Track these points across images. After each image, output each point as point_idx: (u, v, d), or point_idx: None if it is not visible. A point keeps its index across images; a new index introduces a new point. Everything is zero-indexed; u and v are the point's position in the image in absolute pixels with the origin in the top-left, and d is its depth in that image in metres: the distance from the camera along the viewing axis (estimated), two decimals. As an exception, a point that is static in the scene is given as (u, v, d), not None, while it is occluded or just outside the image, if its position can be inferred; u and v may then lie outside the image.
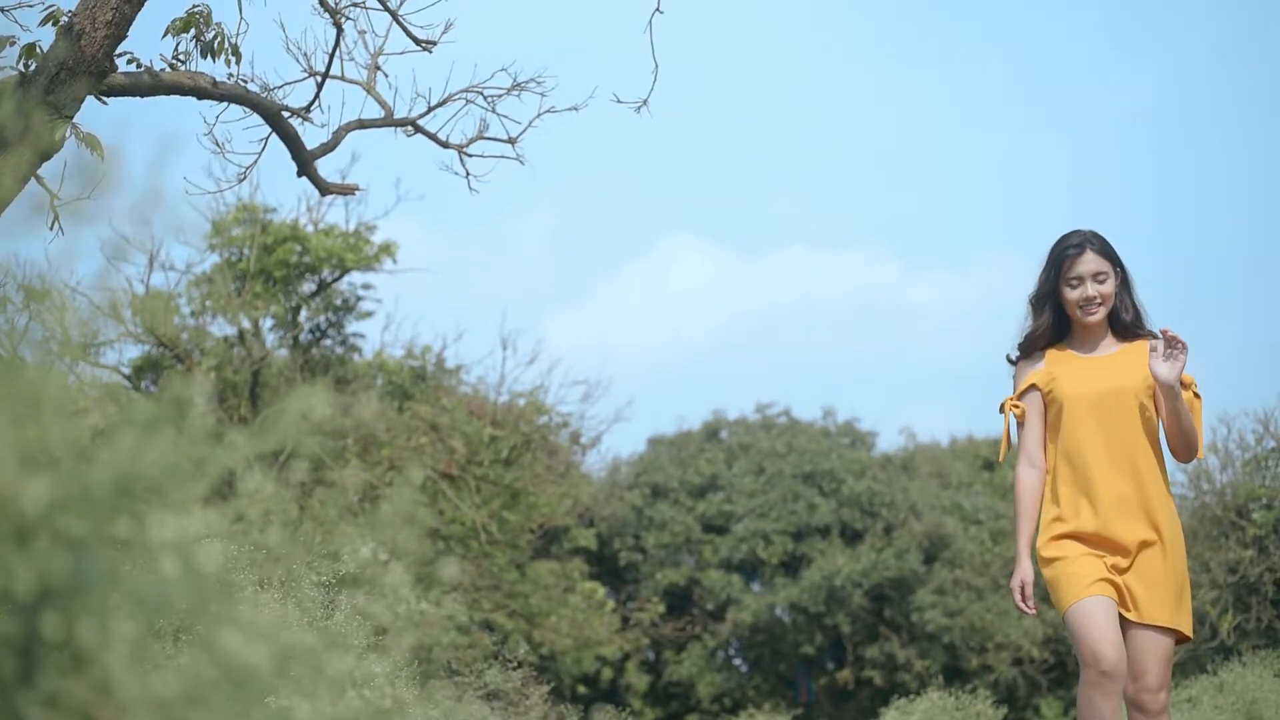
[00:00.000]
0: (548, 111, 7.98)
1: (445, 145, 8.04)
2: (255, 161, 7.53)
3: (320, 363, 19.43)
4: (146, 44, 7.84)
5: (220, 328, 18.66)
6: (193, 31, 6.67)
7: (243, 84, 7.10)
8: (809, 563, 26.29)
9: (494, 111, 8.04)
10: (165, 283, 18.11)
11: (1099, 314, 5.42)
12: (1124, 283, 5.48)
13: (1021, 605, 5.37)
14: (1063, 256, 5.43)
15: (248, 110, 7.53)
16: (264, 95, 7.52)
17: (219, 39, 6.73)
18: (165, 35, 6.57)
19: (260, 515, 1.77)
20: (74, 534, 1.32)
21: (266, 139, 7.72)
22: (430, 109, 8.04)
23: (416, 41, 7.63)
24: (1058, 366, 5.48)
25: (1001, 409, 5.59)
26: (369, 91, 7.93)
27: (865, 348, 40.49)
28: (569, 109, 8.03)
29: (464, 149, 8.06)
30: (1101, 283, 5.41)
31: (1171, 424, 5.33)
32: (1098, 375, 5.41)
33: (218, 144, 7.54)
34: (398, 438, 18.47)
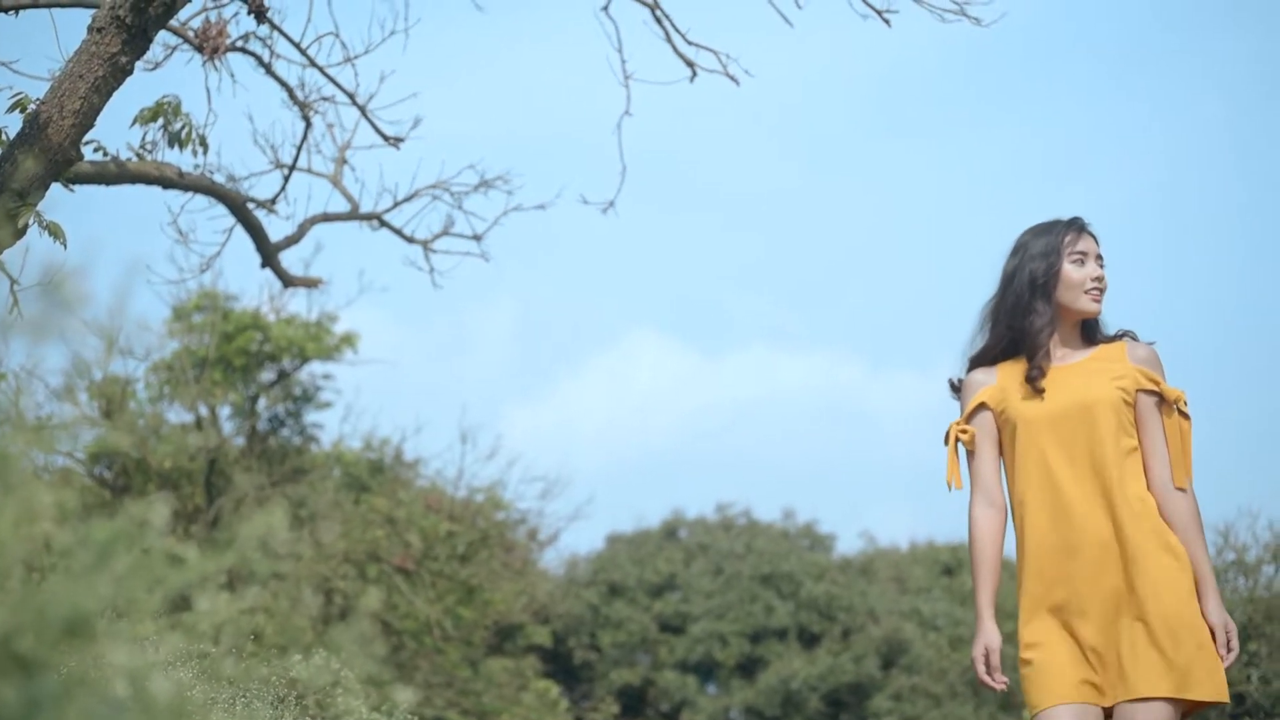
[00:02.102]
0: (514, 209, 8.00)
1: (410, 240, 8.03)
2: (218, 252, 7.50)
3: (277, 452, 19.28)
4: (114, 133, 7.81)
5: (177, 414, 18.53)
6: (161, 121, 6.64)
7: (209, 175, 7.07)
8: (766, 665, 26.10)
9: (460, 208, 8.05)
10: (124, 369, 17.99)
11: (1100, 304, 4.49)
12: None
13: (986, 679, 4.37)
14: (1062, 232, 4.49)
15: (213, 200, 7.50)
16: (230, 186, 7.49)
17: (186, 129, 6.69)
18: (133, 124, 6.54)
19: (214, 632, 1.71)
20: (27, 658, 1.26)
21: (231, 229, 7.69)
22: (396, 204, 8.03)
23: (384, 137, 7.63)
24: (1013, 380, 4.49)
25: (947, 438, 4.57)
26: (335, 185, 7.92)
27: (826, 449, 40.47)
28: (535, 207, 8.05)
29: (429, 245, 8.05)
30: (1102, 267, 4.52)
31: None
32: (1075, 388, 4.41)
33: (181, 233, 7.50)
34: (353, 530, 18.31)
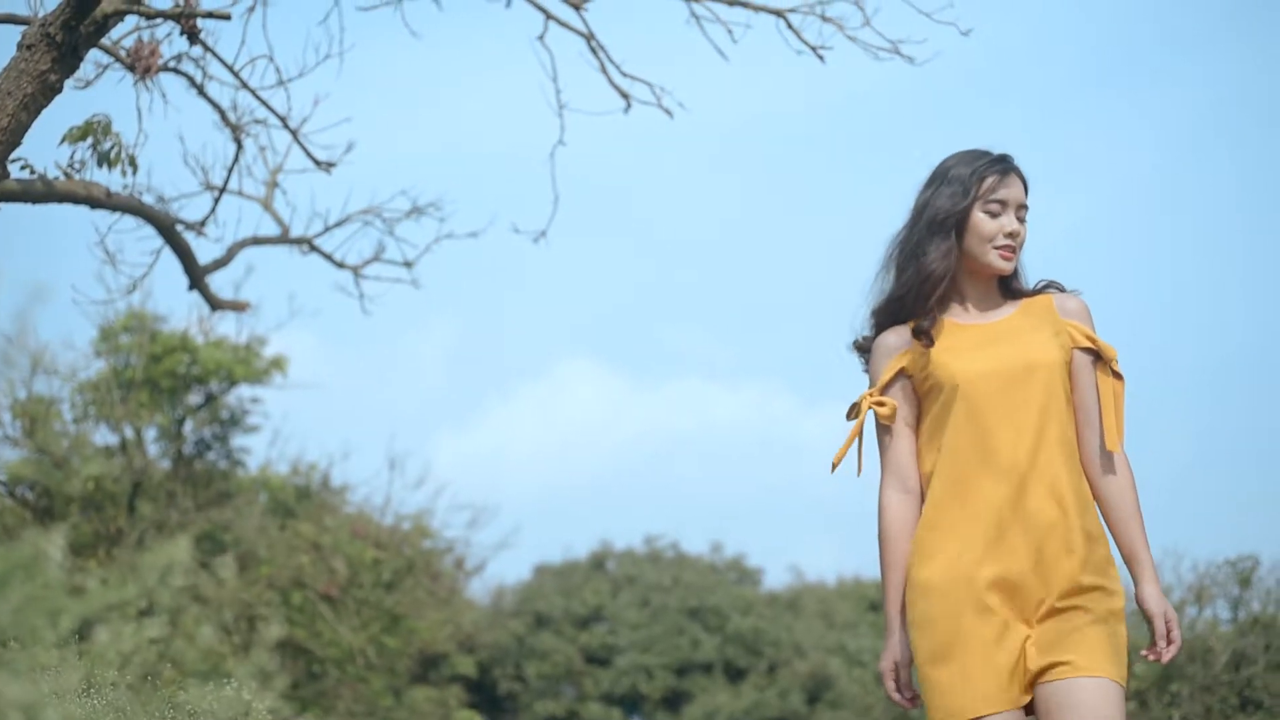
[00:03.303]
0: (445, 237, 7.98)
1: (340, 265, 7.99)
2: (146, 274, 7.43)
3: (203, 476, 19.12)
4: (42, 151, 7.73)
5: (103, 436, 18.34)
6: (90, 140, 6.58)
7: (138, 195, 7.00)
8: (691, 699, 26.05)
9: (391, 234, 8.02)
10: (48, 389, 17.78)
11: (1014, 261, 3.90)
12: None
13: (895, 696, 3.80)
14: (983, 171, 3.88)
15: (142, 221, 7.43)
16: (159, 207, 7.42)
17: (116, 149, 6.63)
18: (62, 143, 6.47)
19: (121, 661, 1.68)
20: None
21: (159, 251, 7.62)
22: (327, 228, 7.99)
23: (316, 162, 7.59)
24: (938, 344, 3.87)
25: (853, 411, 3.93)
26: (266, 208, 7.87)
27: (756, 482, 40.54)
28: (467, 235, 8.03)
29: (359, 270, 8.01)
30: (1021, 220, 3.90)
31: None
32: (1000, 347, 3.84)
33: (108, 254, 7.42)
34: (278, 556, 18.17)
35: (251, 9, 7.19)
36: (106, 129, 6.47)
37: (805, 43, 7.52)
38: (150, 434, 18.74)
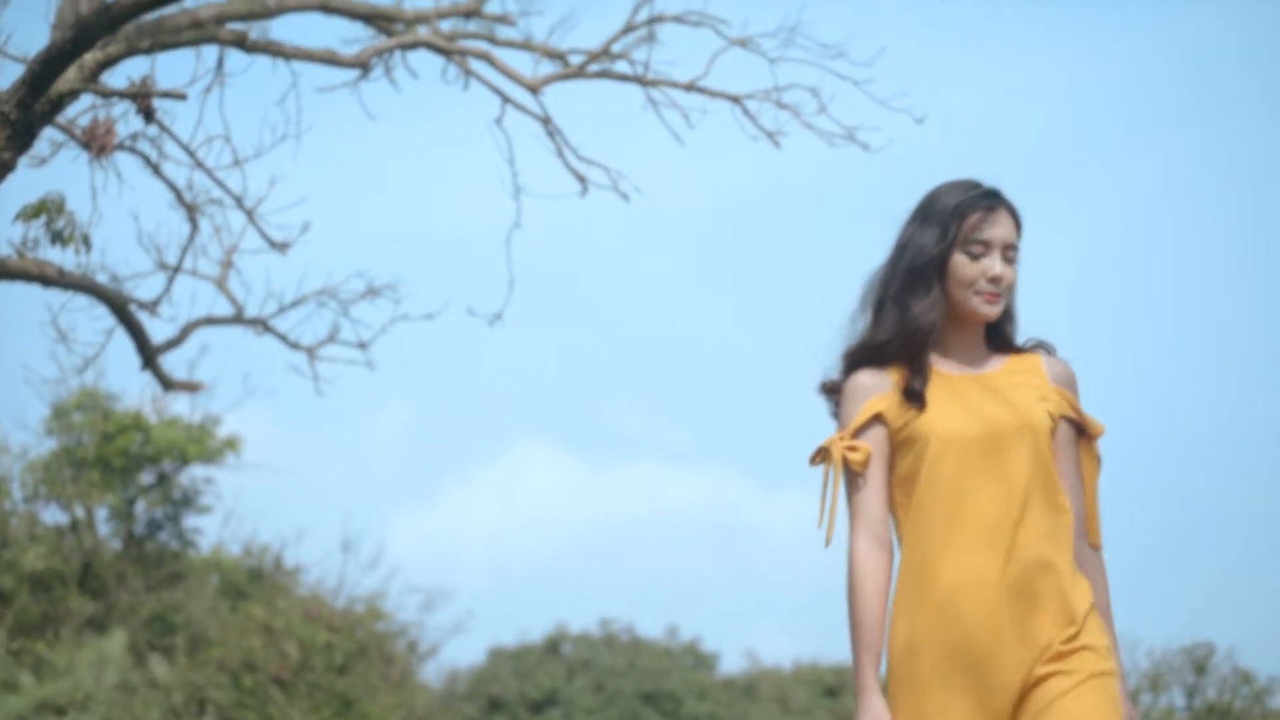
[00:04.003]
0: (401, 319, 7.97)
1: (295, 347, 7.96)
2: (97, 354, 7.39)
3: (154, 557, 18.95)
4: (-6, 228, 7.69)
5: (53, 515, 18.18)
6: (44, 218, 6.55)
7: (91, 274, 6.97)
8: (645, 784, 25.85)
9: (346, 316, 8.00)
10: (-1, 467, 17.64)
11: (999, 307, 3.53)
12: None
13: None
14: (966, 208, 3.51)
15: (95, 299, 7.39)
16: (113, 286, 7.39)
17: (70, 227, 6.61)
18: (15, 220, 6.44)
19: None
20: None
21: (112, 330, 7.58)
22: (282, 309, 7.97)
23: (271, 243, 7.58)
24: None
25: (820, 456, 3.55)
26: (220, 288, 7.84)
27: (712, 566, 40.42)
28: (423, 317, 8.02)
29: (314, 351, 7.98)
30: (1010, 261, 3.52)
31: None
32: (989, 404, 3.48)
33: (60, 332, 7.39)
34: (229, 638, 18.00)
35: (208, 89, 7.20)
36: (60, 207, 6.44)
37: (761, 129, 7.57)
38: (101, 514, 18.59)
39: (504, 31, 7.78)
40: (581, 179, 7.82)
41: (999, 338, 3.61)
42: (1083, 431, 3.57)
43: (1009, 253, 3.52)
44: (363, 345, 8.10)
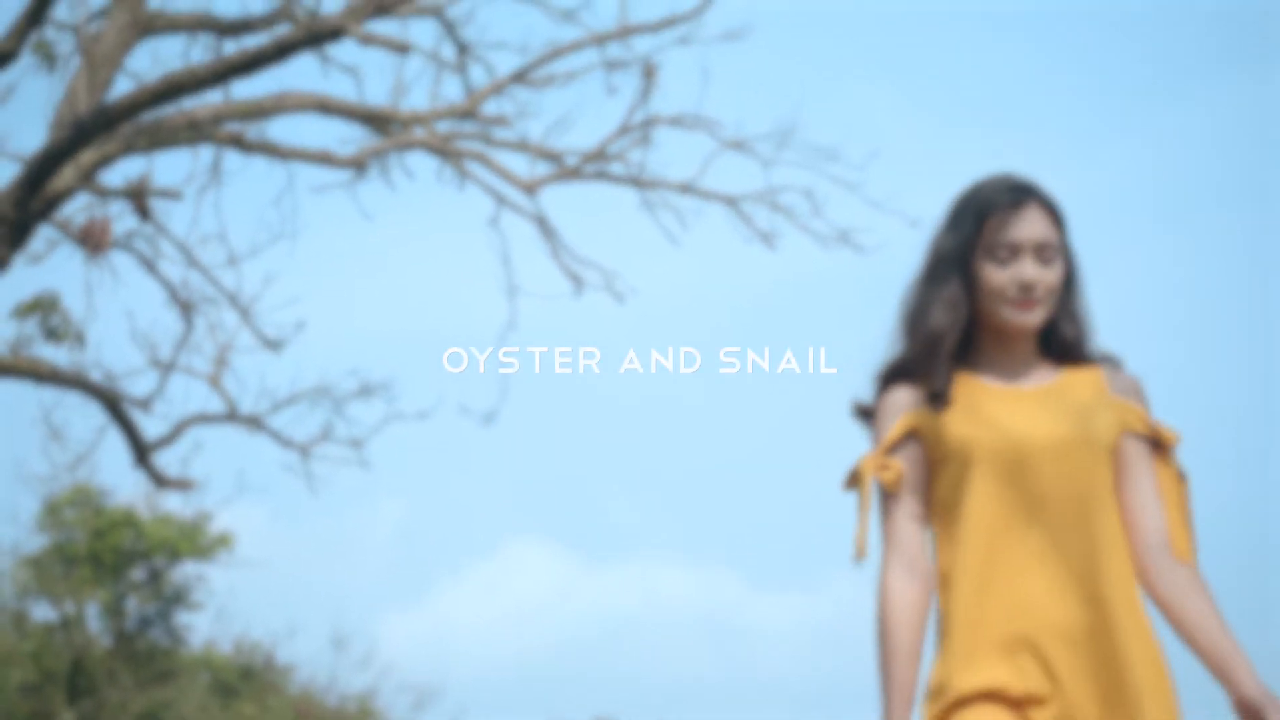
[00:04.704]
0: (395, 418, 7.98)
1: (288, 445, 7.95)
2: (89, 452, 7.39)
3: (145, 654, 18.82)
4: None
5: (44, 611, 18.07)
6: (38, 316, 6.57)
7: (85, 371, 6.98)
8: None
9: (340, 414, 8.00)
10: (-11, 563, 17.56)
11: (1037, 315, 3.10)
12: (1070, 276, 3.17)
13: None
14: (988, 207, 3.10)
15: (88, 396, 7.39)
16: (106, 383, 7.39)
17: (64, 325, 6.63)
18: (10, 318, 6.47)
19: None
20: None
21: (104, 427, 7.58)
22: (275, 407, 7.97)
23: (265, 342, 7.60)
24: (955, 405, 3.12)
25: (854, 479, 3.17)
26: (214, 385, 7.84)
27: (706, 665, 40.13)
28: (416, 416, 8.02)
29: (307, 450, 7.98)
30: (1047, 262, 3.10)
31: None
32: (1033, 419, 3.06)
33: (53, 430, 7.38)
34: (219, 737, 17.84)
35: (204, 188, 7.23)
36: (54, 305, 6.47)
37: (755, 230, 7.62)
38: (92, 610, 18.48)
39: (500, 132, 7.84)
40: (576, 278, 7.85)
41: (1061, 347, 3.18)
42: (1157, 445, 3.14)
43: (1044, 253, 3.09)
44: (356, 444, 8.09)
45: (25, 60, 6.19)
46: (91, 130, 5.34)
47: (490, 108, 7.81)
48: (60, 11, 6.34)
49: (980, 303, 3.12)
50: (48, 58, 6.70)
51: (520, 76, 7.79)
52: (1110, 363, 3.20)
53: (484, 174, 7.76)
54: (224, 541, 19.03)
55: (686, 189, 7.78)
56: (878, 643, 3.04)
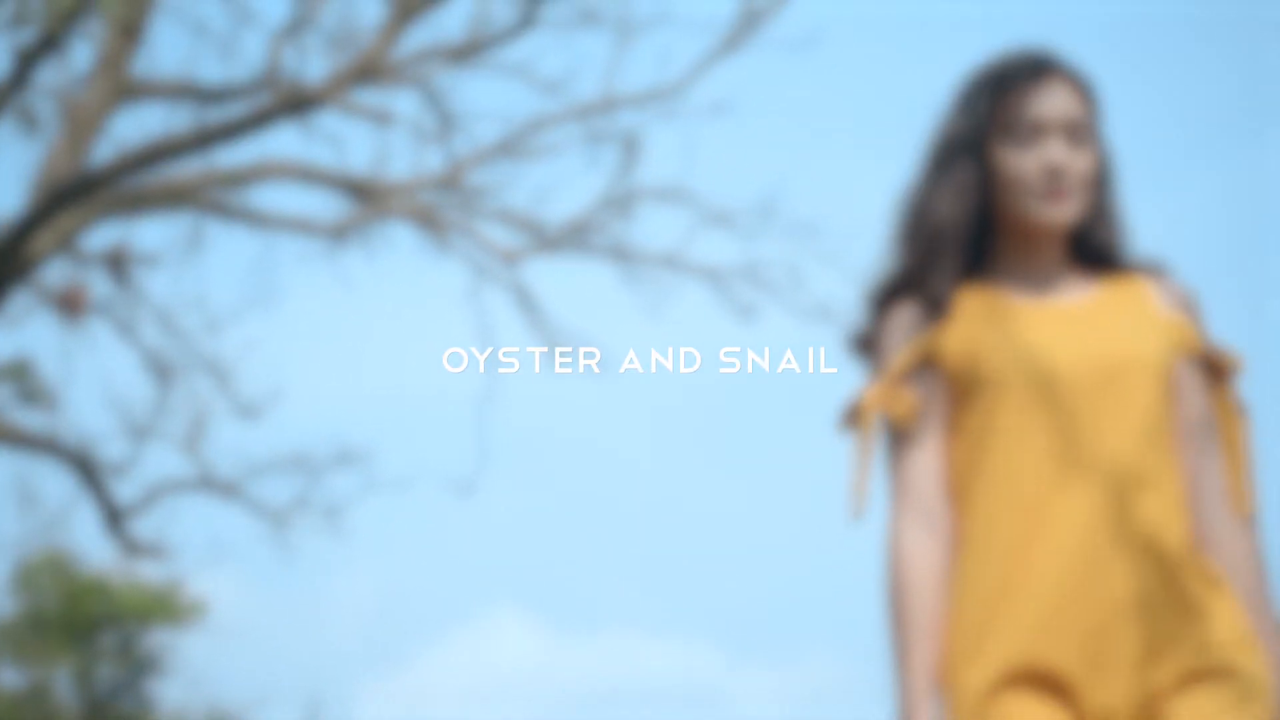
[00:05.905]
0: (371, 489, 7.94)
1: (263, 513, 7.91)
2: (62, 517, 7.32)
3: (114, 722, 18.63)
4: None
5: (12, 678, 17.90)
6: (12, 380, 6.53)
7: (57, 437, 6.93)
8: None
9: (317, 482, 7.96)
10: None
11: (1069, 208, 2.47)
12: (1103, 168, 2.54)
13: None
14: (1006, 79, 2.49)
15: (61, 461, 7.34)
16: (80, 447, 7.34)
17: (38, 390, 6.59)
18: (-16, 382, 6.42)
19: None
20: None
21: (77, 493, 7.53)
22: (251, 473, 7.92)
23: (242, 408, 7.56)
24: (977, 321, 2.46)
25: (854, 416, 2.48)
26: (189, 452, 7.80)
27: (682, 739, 39.81)
28: (393, 486, 7.99)
29: (283, 518, 7.93)
30: (1079, 144, 2.48)
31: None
32: (1071, 342, 2.44)
33: (25, 495, 7.32)
34: (188, 807, 17.65)
35: (184, 254, 7.20)
36: (29, 369, 6.43)
37: (736, 303, 7.61)
38: (62, 676, 18.32)
39: (481, 202, 7.84)
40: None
41: (1095, 253, 2.56)
42: (1214, 372, 2.52)
43: (1076, 134, 2.48)
44: (333, 512, 8.05)
45: (6, 123, 6.17)
46: (71, 195, 5.32)
47: (472, 178, 7.82)
48: (43, 75, 6.33)
49: (999, 197, 2.50)
50: (29, 121, 6.69)
51: (503, 147, 7.80)
52: (1156, 271, 2.56)
53: (464, 243, 7.76)
54: (197, 609, 18.88)
55: (667, 262, 7.79)
56: (891, 615, 2.44)
